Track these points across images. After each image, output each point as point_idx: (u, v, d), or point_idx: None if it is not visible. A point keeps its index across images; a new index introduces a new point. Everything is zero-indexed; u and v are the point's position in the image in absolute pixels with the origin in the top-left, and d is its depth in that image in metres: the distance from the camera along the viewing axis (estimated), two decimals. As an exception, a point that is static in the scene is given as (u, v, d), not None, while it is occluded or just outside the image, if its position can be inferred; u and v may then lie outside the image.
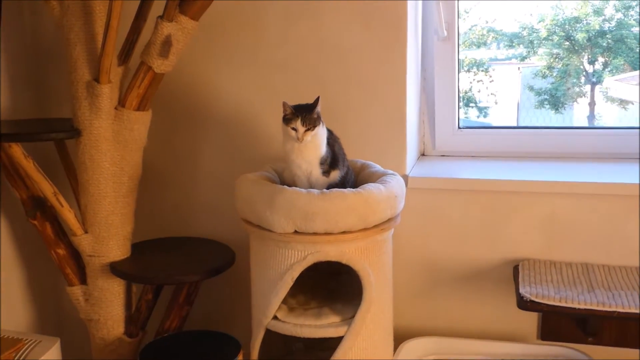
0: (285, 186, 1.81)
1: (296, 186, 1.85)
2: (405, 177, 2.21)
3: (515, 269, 2.13)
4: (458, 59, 2.45)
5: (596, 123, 2.62)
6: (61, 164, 2.22)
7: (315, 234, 1.76)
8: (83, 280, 2.17)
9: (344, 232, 1.77)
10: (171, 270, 2.11)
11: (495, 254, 2.24)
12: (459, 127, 2.50)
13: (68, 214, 2.06)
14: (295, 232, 1.77)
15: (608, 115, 2.61)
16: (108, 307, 2.15)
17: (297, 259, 1.79)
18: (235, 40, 2.32)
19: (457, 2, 2.38)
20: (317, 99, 1.81)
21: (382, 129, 2.24)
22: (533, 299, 1.90)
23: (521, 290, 1.94)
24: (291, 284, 1.82)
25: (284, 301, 1.88)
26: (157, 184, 2.46)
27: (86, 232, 2.09)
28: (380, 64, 2.20)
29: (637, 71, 2.47)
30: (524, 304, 1.91)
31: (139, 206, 2.17)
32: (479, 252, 2.25)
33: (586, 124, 2.65)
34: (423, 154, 2.53)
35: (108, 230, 2.08)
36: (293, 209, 1.74)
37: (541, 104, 2.65)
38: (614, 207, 2.12)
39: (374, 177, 1.95)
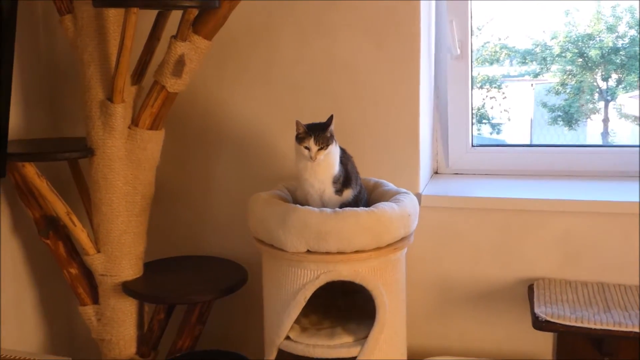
0: (297, 205, 1.80)
1: (309, 205, 1.85)
2: (419, 196, 2.20)
3: (530, 289, 2.12)
4: (471, 78, 2.44)
5: (610, 140, 2.61)
6: (74, 183, 2.23)
7: (328, 253, 1.75)
8: (95, 300, 2.17)
9: (357, 252, 1.76)
10: (183, 290, 2.10)
11: (509, 273, 2.22)
12: (472, 145, 2.49)
13: (81, 234, 2.06)
14: (308, 251, 1.76)
15: (622, 132, 2.60)
16: (120, 326, 2.15)
17: (309, 279, 1.78)
18: (249, 59, 2.33)
19: (470, 21, 2.38)
20: (331, 118, 1.81)
21: (395, 147, 2.24)
22: (548, 319, 1.88)
23: (536, 310, 1.92)
24: (304, 303, 1.81)
25: (297, 321, 1.87)
26: (170, 203, 2.46)
27: (99, 251, 2.09)
28: (394, 82, 2.20)
29: None
30: (539, 324, 1.89)
31: (151, 225, 2.17)
32: (493, 271, 2.24)
33: (600, 141, 2.64)
34: (436, 172, 2.52)
35: (120, 249, 2.08)
36: (306, 228, 1.73)
37: (554, 121, 2.65)
38: (629, 226, 2.10)
39: (387, 196, 1.94)
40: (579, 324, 1.85)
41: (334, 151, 1.83)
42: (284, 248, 1.77)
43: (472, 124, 2.50)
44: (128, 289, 2.08)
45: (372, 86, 2.23)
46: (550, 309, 1.92)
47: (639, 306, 1.95)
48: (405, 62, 2.18)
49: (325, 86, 2.27)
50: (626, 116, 2.58)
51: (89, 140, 2.03)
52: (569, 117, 2.62)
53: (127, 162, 2.04)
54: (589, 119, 2.65)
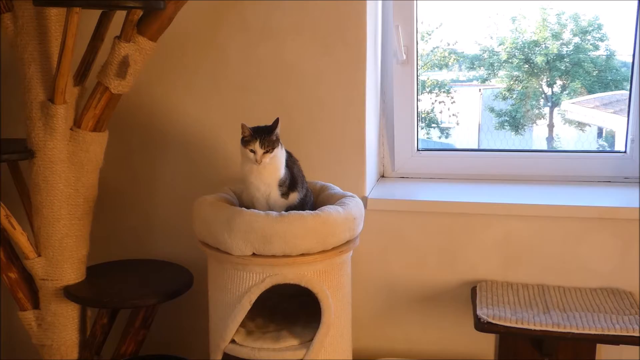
0: (243, 208, 1.80)
1: (255, 208, 1.84)
2: (365, 199, 2.21)
3: (473, 291, 2.15)
4: (417, 82, 2.47)
5: (555, 145, 2.66)
6: (14, 186, 2.18)
7: (273, 256, 1.75)
8: (36, 305, 2.12)
9: (302, 255, 1.76)
10: (127, 294, 2.07)
11: (453, 275, 2.25)
12: (418, 150, 2.52)
13: (20, 237, 2.01)
14: (254, 254, 1.76)
15: (566, 137, 2.66)
16: (62, 332, 2.10)
17: (255, 282, 1.78)
18: (195, 61, 2.31)
19: (415, 26, 2.40)
20: (276, 121, 1.81)
21: (341, 150, 2.25)
22: (490, 320, 1.91)
23: (478, 312, 1.95)
24: (249, 307, 1.80)
25: (243, 324, 1.87)
26: (114, 205, 2.43)
27: (39, 255, 2.05)
28: (340, 86, 2.21)
29: (594, 94, 2.55)
30: (481, 326, 1.92)
31: (94, 228, 2.13)
32: (437, 274, 2.26)
33: (545, 146, 2.69)
34: (383, 176, 2.54)
35: (62, 253, 2.04)
36: (251, 232, 1.72)
37: (501, 125, 2.69)
38: (569, 229, 2.15)
39: (333, 199, 1.95)
40: (519, 325, 1.88)
41: (279, 154, 1.83)
42: (230, 251, 1.77)
43: (419, 128, 2.52)
44: (70, 293, 2.04)
45: (318, 90, 2.23)
46: (492, 310, 1.96)
47: (576, 308, 2.00)
48: (351, 67, 2.19)
49: (272, 89, 2.26)
50: (570, 122, 2.63)
51: (30, 141, 1.99)
52: (515, 122, 2.66)
53: (68, 164, 2.00)
54: (534, 124, 2.70)
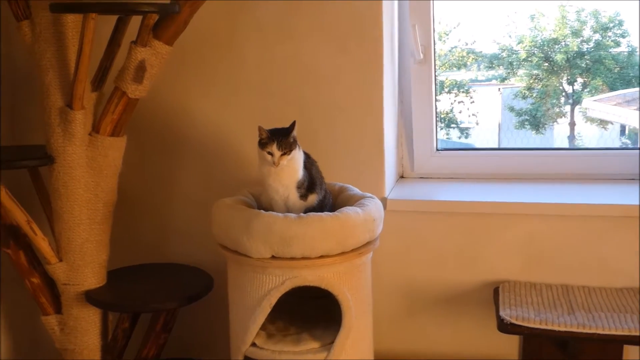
0: (261, 211, 1.79)
1: (273, 210, 1.84)
2: (384, 200, 2.20)
3: (496, 291, 2.13)
4: (435, 82, 2.44)
5: (576, 143, 2.64)
6: (35, 192, 2.18)
7: (292, 258, 1.74)
8: (58, 310, 2.12)
9: (322, 257, 1.75)
10: (148, 298, 2.07)
11: (475, 276, 2.23)
12: (437, 149, 2.49)
13: (42, 242, 2.02)
14: (273, 257, 1.75)
15: (588, 135, 2.65)
16: (84, 336, 2.11)
17: (274, 285, 1.77)
18: (211, 64, 2.31)
19: (432, 25, 2.38)
20: (293, 124, 1.80)
21: (360, 151, 2.23)
22: (513, 321, 1.89)
23: (501, 313, 1.93)
24: (269, 310, 1.80)
25: (263, 327, 1.86)
26: (133, 210, 2.43)
27: (61, 260, 2.06)
28: (358, 86, 2.20)
29: (616, 92, 2.53)
30: (505, 327, 1.90)
31: (114, 233, 2.13)
32: (458, 275, 2.24)
33: (567, 144, 2.68)
34: (402, 176, 2.52)
35: (83, 258, 2.05)
36: (270, 234, 1.72)
37: (522, 125, 2.68)
38: (592, 228, 2.12)
39: (352, 200, 1.94)
40: (543, 326, 1.86)
41: (297, 156, 1.82)
42: (249, 254, 1.76)
43: (439, 128, 2.50)
44: (91, 297, 2.05)
45: (336, 90, 2.22)
46: (515, 311, 1.93)
47: (601, 308, 1.97)
48: (368, 67, 2.18)
49: (289, 91, 2.26)
50: (592, 119, 2.63)
51: (49, 147, 1.99)
52: (536, 120, 2.65)
53: (88, 170, 2.01)
54: (555, 123, 2.68)
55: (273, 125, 1.81)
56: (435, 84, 2.45)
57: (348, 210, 1.80)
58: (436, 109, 2.48)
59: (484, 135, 2.75)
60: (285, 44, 2.23)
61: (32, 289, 2.12)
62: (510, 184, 2.38)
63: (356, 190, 2.03)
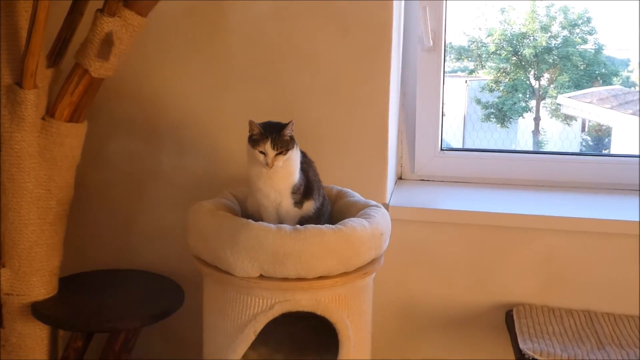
0: (250, 220, 1.58)
1: (262, 218, 1.68)
2: (385, 207, 1.98)
3: (509, 316, 1.95)
4: (444, 72, 2.26)
5: (540, 138, 2.67)
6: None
7: (285, 279, 1.55)
8: None
9: (320, 278, 1.56)
10: (106, 314, 1.87)
11: (485, 296, 2.07)
12: (441, 149, 2.30)
13: (-19, 245, 1.85)
14: (261, 276, 1.55)
15: (552, 130, 2.66)
16: (28, 355, 1.93)
17: (261, 309, 1.58)
18: (191, 42, 2.15)
19: (445, 7, 2.19)
20: (290, 123, 1.62)
21: (360, 149, 2.06)
22: (537, 357, 1.69)
23: (522, 346, 1.74)
24: (253, 338, 1.60)
25: (244, 355, 1.64)
26: (92, 208, 2.28)
27: (3, 266, 1.89)
28: (361, 74, 2.03)
29: (591, 89, 2.58)
30: (526, 362, 1.69)
31: (69, 235, 1.97)
32: (466, 295, 2.08)
33: (531, 139, 2.68)
34: (400, 178, 2.34)
35: (30, 264, 1.88)
36: (260, 250, 1.53)
37: (487, 118, 2.67)
38: (620, 247, 1.96)
39: (354, 209, 1.75)
40: None
41: (294, 156, 1.63)
42: (232, 272, 1.57)
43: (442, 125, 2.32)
44: (38, 312, 1.86)
45: (335, 78, 2.05)
46: (538, 344, 1.73)
47: (633, 342, 1.77)
48: (374, 52, 2.00)
49: (281, 76, 2.09)
50: (557, 115, 2.62)
51: None
52: (502, 114, 2.66)
53: (39, 160, 1.85)
54: (521, 117, 2.69)
55: (261, 117, 1.65)
56: (444, 75, 2.26)
57: (353, 223, 1.59)
58: (443, 103, 2.29)
59: (448, 126, 2.68)
60: (277, 22, 2.06)
61: (-32, 298, 1.94)
62: (527, 192, 2.21)
63: (357, 196, 1.82)
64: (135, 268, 2.20)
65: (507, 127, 2.65)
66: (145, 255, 2.26)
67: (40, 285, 1.89)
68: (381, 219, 1.66)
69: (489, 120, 2.65)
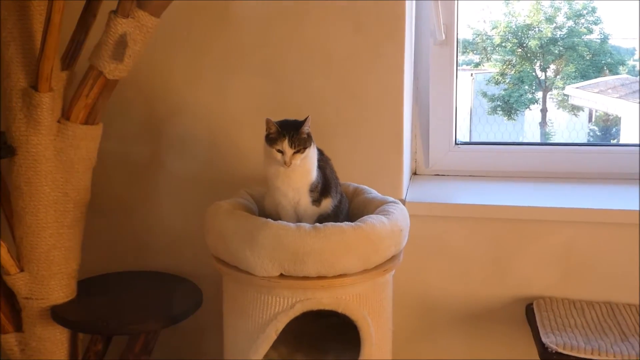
0: (269, 220, 1.57)
1: (280, 217, 1.66)
2: (402, 203, 1.96)
3: (529, 309, 1.94)
4: (457, 66, 2.25)
5: (547, 129, 2.66)
6: (-8, 188, 2.00)
7: (306, 278, 1.53)
8: (18, 327, 1.95)
9: (340, 276, 1.54)
10: (125, 317, 1.87)
11: (504, 290, 2.06)
12: (456, 143, 2.30)
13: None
14: (282, 275, 1.54)
15: (559, 122, 2.67)
16: (48, 358, 1.93)
17: (282, 308, 1.57)
18: (204, 41, 2.14)
19: (457, 1, 2.18)
20: (307, 118, 1.60)
21: (375, 146, 2.05)
22: (560, 350, 1.68)
23: (544, 340, 1.72)
24: (275, 337, 1.59)
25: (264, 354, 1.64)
26: (110, 210, 2.26)
27: (22, 270, 1.88)
28: (374, 70, 2.02)
29: (598, 79, 2.57)
30: (549, 356, 1.69)
31: (87, 238, 1.96)
32: (485, 289, 2.08)
33: (538, 131, 2.67)
34: (415, 173, 2.33)
35: (49, 267, 1.87)
36: (280, 248, 1.51)
37: (494, 110, 2.67)
38: (636, 237, 1.94)
39: (372, 206, 1.73)
40: (596, 357, 1.64)
41: (311, 154, 1.62)
42: (252, 271, 1.55)
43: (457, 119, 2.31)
44: (58, 315, 1.86)
45: (349, 74, 2.04)
46: (561, 337, 1.72)
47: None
48: (387, 47, 1.99)
49: (295, 74, 2.08)
50: (564, 106, 2.62)
51: (10, 136, 1.83)
52: (508, 106, 2.65)
53: (56, 163, 1.84)
54: (527, 109, 2.69)
55: (276, 114, 1.64)
56: (456, 69, 2.25)
57: (372, 220, 1.58)
58: (457, 97, 2.28)
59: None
60: (290, 19, 2.05)
61: (-12, 303, 1.94)
62: (545, 184, 2.19)
63: (374, 192, 1.81)
64: (152, 270, 2.19)
65: (514, 120, 2.66)
66: (163, 256, 2.25)
67: (59, 288, 1.89)
68: (400, 215, 1.65)
69: (496, 113, 2.66)
